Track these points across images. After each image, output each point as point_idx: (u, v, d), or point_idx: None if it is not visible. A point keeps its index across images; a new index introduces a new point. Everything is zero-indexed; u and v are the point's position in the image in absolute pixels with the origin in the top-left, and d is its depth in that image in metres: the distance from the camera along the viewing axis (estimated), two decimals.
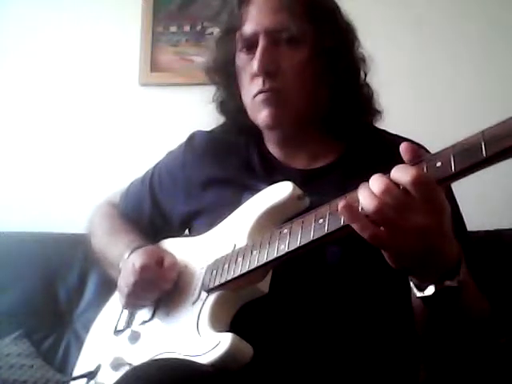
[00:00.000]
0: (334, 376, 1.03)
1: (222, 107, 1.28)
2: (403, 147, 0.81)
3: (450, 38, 2.02)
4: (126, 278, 1.12)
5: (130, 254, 1.16)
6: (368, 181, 0.81)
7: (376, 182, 0.79)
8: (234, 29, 1.18)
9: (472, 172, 0.74)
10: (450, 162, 0.75)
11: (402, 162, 0.81)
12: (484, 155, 0.71)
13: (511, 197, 1.87)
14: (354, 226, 0.80)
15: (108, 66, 2.29)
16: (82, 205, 2.12)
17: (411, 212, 0.77)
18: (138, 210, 1.37)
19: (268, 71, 1.13)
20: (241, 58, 1.19)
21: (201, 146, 1.30)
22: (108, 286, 1.68)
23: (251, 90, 1.16)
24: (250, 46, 1.16)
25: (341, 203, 0.81)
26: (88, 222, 1.43)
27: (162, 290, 1.10)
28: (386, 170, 0.82)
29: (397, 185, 0.78)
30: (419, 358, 1.14)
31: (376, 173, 0.82)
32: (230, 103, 1.25)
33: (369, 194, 0.79)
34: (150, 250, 1.14)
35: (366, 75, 1.23)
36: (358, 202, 0.81)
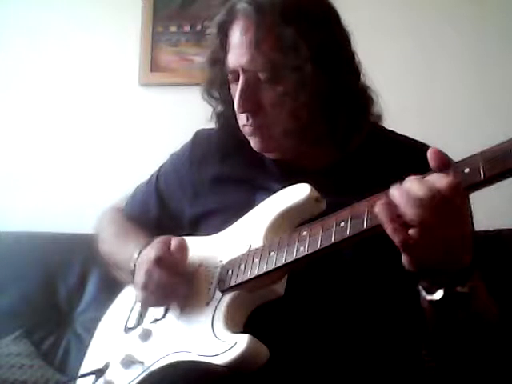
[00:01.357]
0: (350, 375, 1.02)
1: (222, 121, 1.26)
2: (431, 153, 0.81)
3: (449, 39, 2.02)
4: (141, 271, 1.10)
5: (139, 253, 1.15)
6: (393, 183, 0.82)
7: (419, 187, 0.79)
8: (218, 60, 1.17)
9: (502, 179, 0.73)
10: (479, 168, 0.74)
11: (407, 161, 0.82)
12: None
13: (511, 197, 1.87)
14: (388, 228, 0.80)
15: (108, 66, 2.29)
16: (82, 205, 2.13)
17: (447, 219, 0.78)
18: (145, 213, 1.36)
19: (247, 109, 1.12)
20: (231, 86, 1.17)
21: (206, 145, 1.29)
22: (108, 286, 1.69)
23: (240, 119, 1.16)
24: (235, 78, 1.14)
25: (380, 200, 0.81)
26: (95, 228, 1.42)
27: (176, 271, 1.08)
28: (393, 169, 0.82)
29: (440, 190, 0.78)
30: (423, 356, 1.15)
31: (385, 172, 0.82)
32: (230, 118, 1.22)
33: (412, 198, 0.79)
34: (158, 241, 1.12)
35: (359, 80, 1.18)
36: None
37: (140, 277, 1.11)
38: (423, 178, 0.80)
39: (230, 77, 1.16)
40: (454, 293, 0.86)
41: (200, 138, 1.32)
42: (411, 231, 0.79)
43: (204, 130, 1.33)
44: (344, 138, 1.19)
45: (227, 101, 1.21)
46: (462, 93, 1.98)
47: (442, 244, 0.80)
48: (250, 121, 1.13)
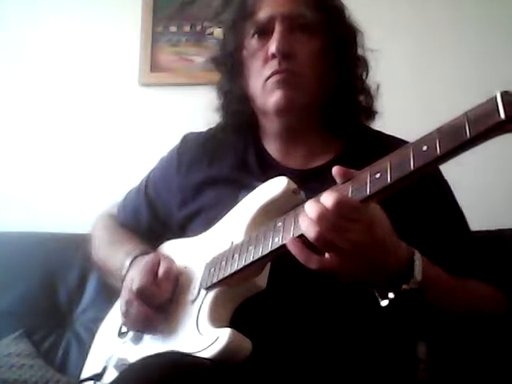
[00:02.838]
0: (333, 371, 1.03)
1: (225, 97, 1.27)
2: (334, 172, 0.87)
3: (449, 38, 2.02)
4: (124, 297, 1.13)
5: (131, 263, 1.17)
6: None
7: (311, 209, 0.84)
8: (245, 16, 1.20)
9: (458, 154, 0.75)
10: (436, 145, 0.75)
11: None
12: (468, 136, 0.72)
13: (511, 197, 1.87)
14: (300, 260, 0.86)
15: (108, 66, 2.29)
16: (82, 205, 2.13)
17: (347, 231, 0.83)
18: (136, 219, 1.37)
19: (285, 52, 1.14)
20: (252, 44, 1.20)
21: (195, 148, 1.30)
22: (108, 287, 1.68)
23: (264, 73, 1.17)
24: (265, 31, 1.18)
25: (288, 239, 0.88)
26: (89, 235, 1.43)
27: (157, 303, 1.10)
28: None
29: (328, 209, 0.83)
30: (418, 357, 1.15)
31: None
32: (234, 92, 1.25)
33: (308, 221, 0.84)
34: (147, 263, 1.13)
35: (367, 75, 1.24)
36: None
37: (122, 303, 1.13)
38: (319, 197, 0.85)
39: (254, 32, 1.19)
40: (405, 292, 0.88)
41: (187, 142, 1.33)
42: (326, 256, 0.85)
43: (192, 133, 1.34)
44: (339, 131, 1.22)
45: (238, 74, 1.23)
46: (460, 91, 1.98)
47: (358, 254, 0.84)
48: (283, 65, 1.15)
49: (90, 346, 1.38)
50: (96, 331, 1.38)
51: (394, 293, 0.89)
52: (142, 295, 1.08)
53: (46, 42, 2.34)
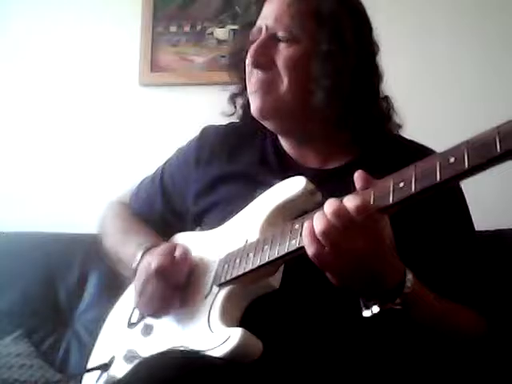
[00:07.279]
0: (344, 371, 1.03)
1: (235, 102, 1.31)
2: (356, 175, 0.87)
3: (450, 39, 2.02)
4: (141, 278, 1.13)
5: (142, 255, 1.17)
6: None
7: (329, 204, 0.85)
8: (249, 25, 1.23)
9: (486, 168, 0.73)
10: (464, 157, 0.74)
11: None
12: (498, 151, 0.71)
13: (511, 197, 1.87)
14: (304, 240, 0.87)
15: (108, 66, 2.29)
16: (82, 205, 2.13)
17: (353, 236, 0.84)
18: (150, 208, 1.37)
19: (259, 63, 1.16)
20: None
21: (214, 141, 1.30)
22: (108, 286, 1.69)
23: (249, 78, 1.20)
24: (257, 38, 1.19)
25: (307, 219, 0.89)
26: (99, 221, 1.43)
27: (174, 282, 1.10)
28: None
29: (346, 210, 0.84)
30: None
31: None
32: (242, 98, 1.28)
33: (321, 214, 0.85)
34: (163, 248, 1.14)
35: (378, 84, 1.22)
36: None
37: (138, 284, 1.14)
38: (342, 198, 0.86)
39: (253, 40, 1.20)
40: (387, 309, 0.90)
41: (206, 135, 1.33)
42: (323, 246, 0.85)
43: (211, 126, 1.35)
44: (355, 136, 1.20)
45: (241, 79, 1.24)
46: (461, 92, 1.98)
47: (355, 260, 0.85)
48: (259, 75, 1.17)
49: (90, 346, 1.37)
50: (96, 331, 1.38)
51: (380, 307, 0.90)
52: (161, 274, 1.09)
53: (46, 42, 2.34)
